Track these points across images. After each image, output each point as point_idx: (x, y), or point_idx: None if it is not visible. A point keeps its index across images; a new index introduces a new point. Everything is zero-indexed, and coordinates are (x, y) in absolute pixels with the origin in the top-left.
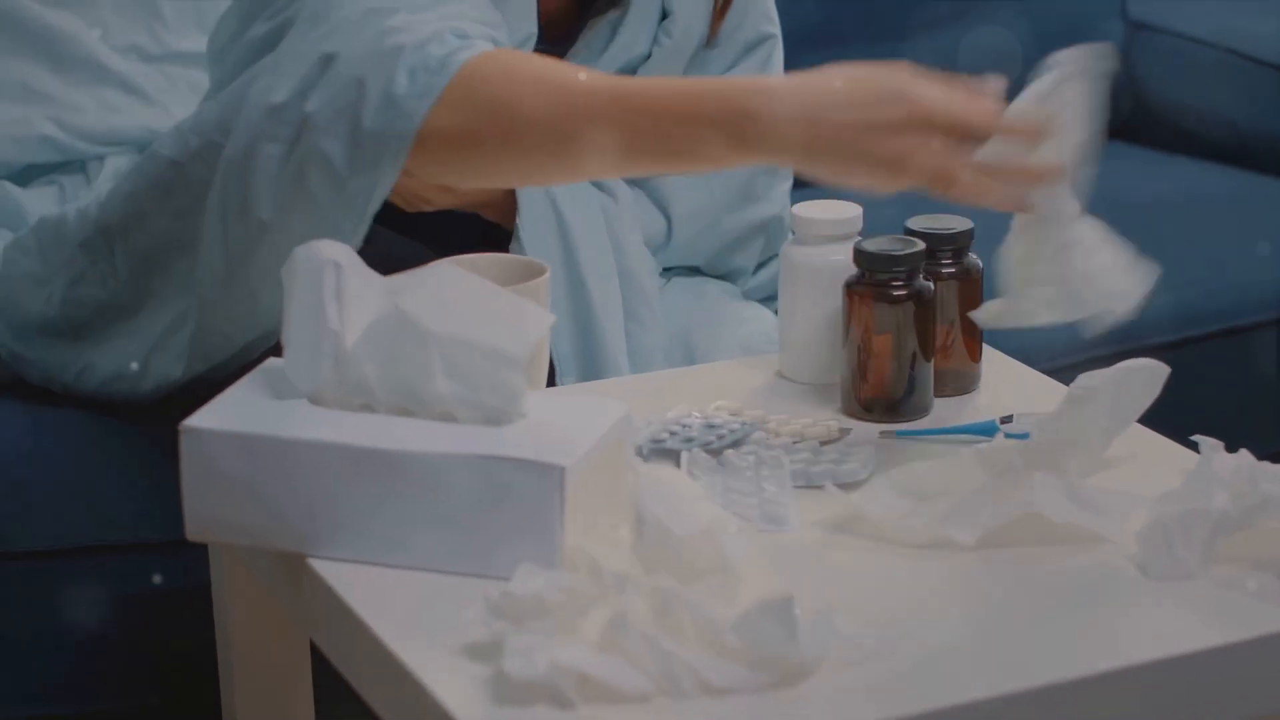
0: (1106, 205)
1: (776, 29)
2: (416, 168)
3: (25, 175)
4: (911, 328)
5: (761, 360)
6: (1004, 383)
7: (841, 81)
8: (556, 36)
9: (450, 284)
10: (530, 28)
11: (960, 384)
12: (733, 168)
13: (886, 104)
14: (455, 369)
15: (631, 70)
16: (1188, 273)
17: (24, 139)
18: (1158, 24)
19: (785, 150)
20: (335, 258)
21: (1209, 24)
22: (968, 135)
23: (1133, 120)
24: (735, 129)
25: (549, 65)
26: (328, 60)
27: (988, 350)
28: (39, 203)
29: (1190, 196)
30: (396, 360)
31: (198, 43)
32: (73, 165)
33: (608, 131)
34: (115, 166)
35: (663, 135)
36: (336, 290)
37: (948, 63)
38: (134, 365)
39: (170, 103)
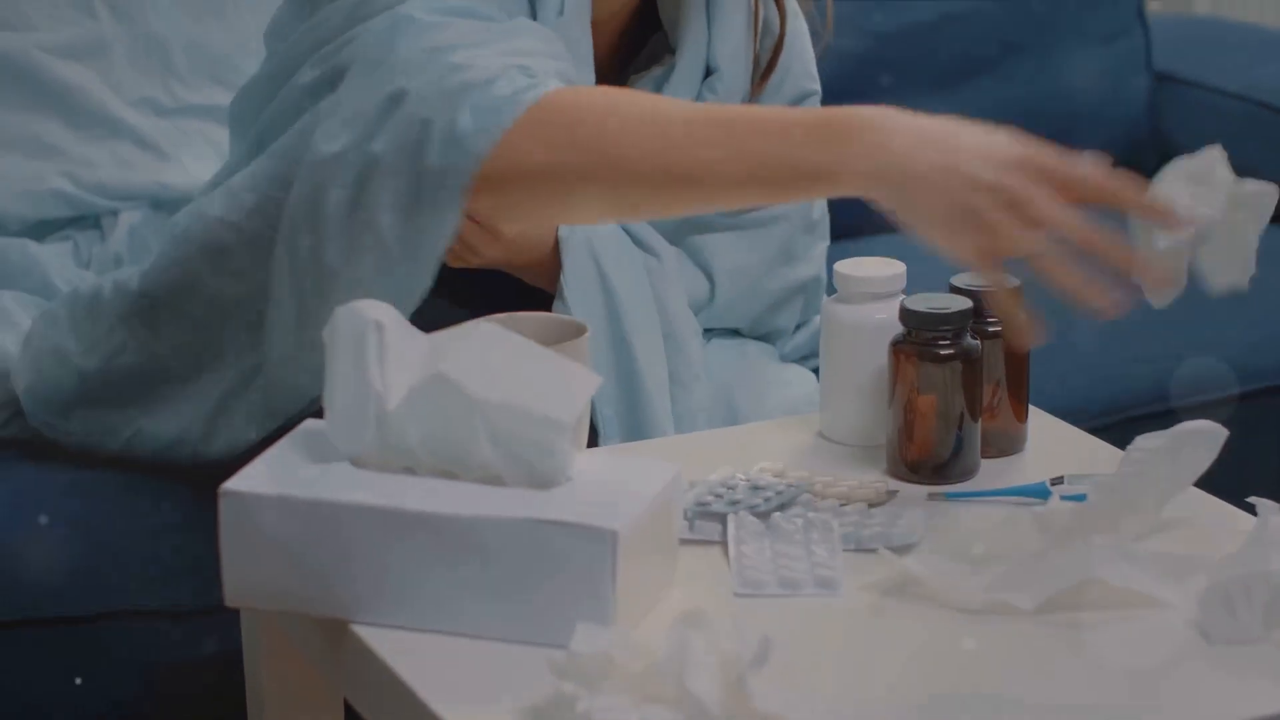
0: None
1: (817, 85)
2: (485, 209)
3: (39, 230)
4: (959, 387)
5: (803, 420)
6: (1050, 442)
7: (969, 134)
8: (609, 38)
9: (493, 345)
10: (588, 79)
11: (1006, 444)
12: (848, 194)
13: (1016, 169)
14: (501, 434)
15: None
16: (1228, 330)
17: (37, 194)
18: (1184, 77)
19: (912, 183)
20: (378, 318)
21: (1236, 77)
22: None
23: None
24: (864, 154)
25: (632, 96)
26: (395, 100)
27: (1031, 409)
28: (55, 259)
29: None
30: (440, 424)
31: (212, 96)
32: (86, 220)
33: (721, 160)
34: (130, 222)
35: (783, 158)
36: (379, 351)
37: (977, 117)
38: (195, 429)
39: (184, 157)
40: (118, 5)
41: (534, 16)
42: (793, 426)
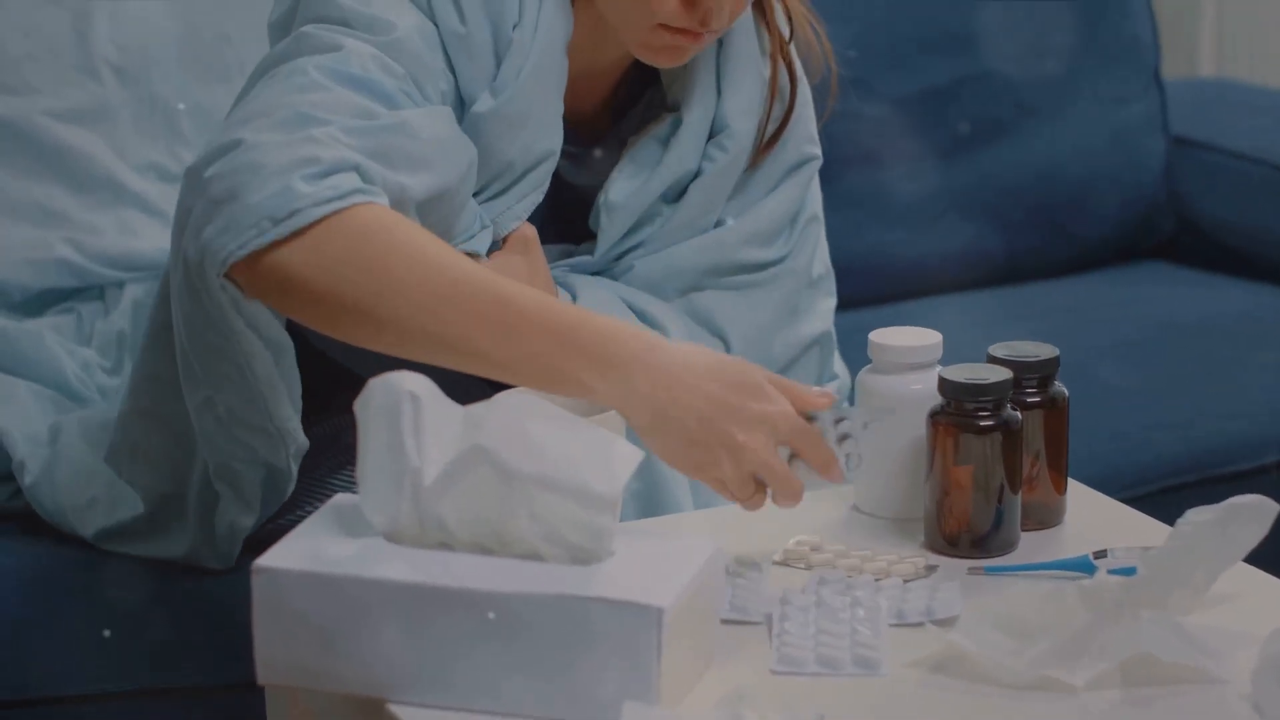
0: (1156, 327)
1: (819, 150)
2: (264, 298)
3: (41, 301)
4: (999, 459)
5: (835, 492)
6: (1088, 514)
7: (705, 359)
8: (584, 139)
9: (531, 417)
10: (551, 144)
11: (1044, 517)
12: (594, 400)
13: (746, 394)
14: (541, 509)
15: (682, 188)
16: (1255, 398)
17: (41, 263)
18: (1201, 139)
19: (638, 398)
20: (413, 389)
21: (1254, 139)
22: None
23: (1176, 239)
24: (602, 366)
25: (434, 245)
26: (226, 152)
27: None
28: (57, 333)
29: (1244, 318)
30: (478, 498)
31: None
32: (91, 292)
33: (489, 343)
34: (133, 296)
35: (550, 363)
36: (415, 424)
37: (993, 180)
38: (206, 548)
39: None
40: (123, 69)
41: (495, 78)
42: (826, 499)
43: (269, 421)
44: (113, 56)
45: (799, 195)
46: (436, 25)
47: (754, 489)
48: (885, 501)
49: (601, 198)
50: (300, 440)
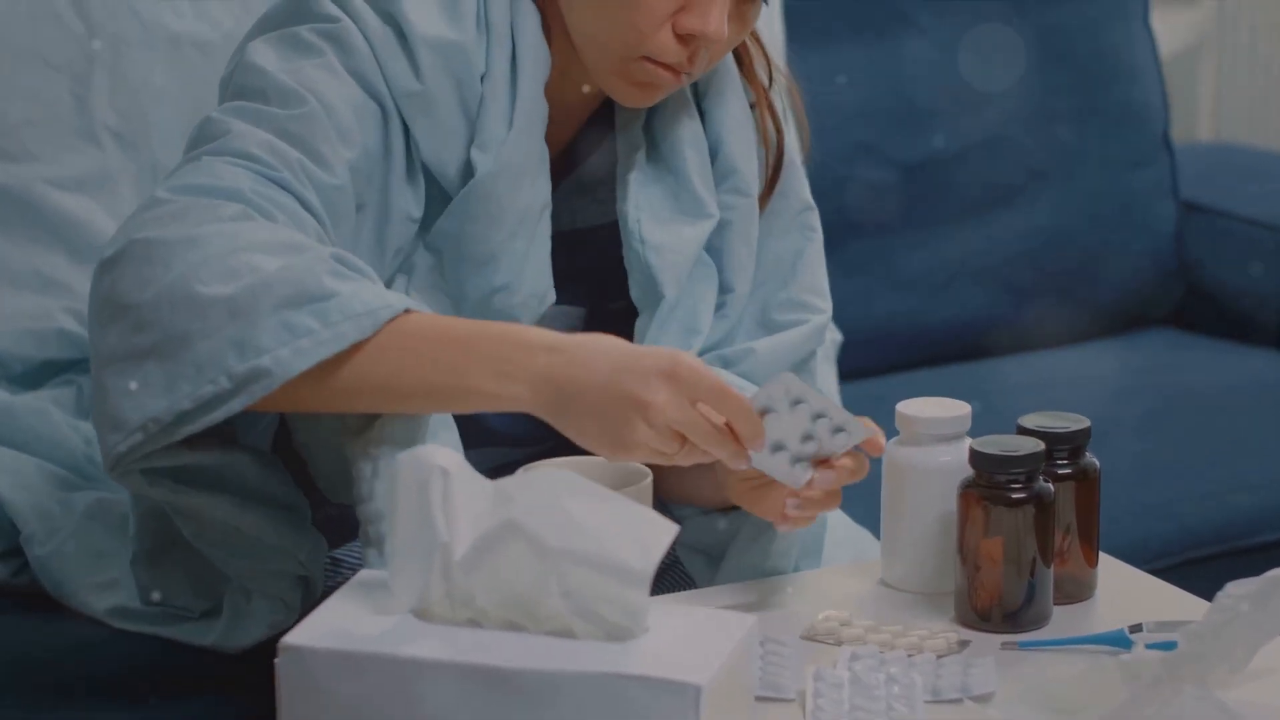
0: (1174, 396)
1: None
2: None
3: (41, 373)
4: (1031, 532)
5: (863, 567)
6: (1119, 587)
7: (607, 341)
8: (560, 139)
9: (562, 491)
10: (546, 193)
11: (1076, 590)
12: (501, 406)
13: (648, 355)
14: (574, 585)
15: (719, 250)
16: (1272, 471)
17: (42, 333)
18: (1211, 205)
19: (540, 381)
20: (443, 464)
21: (1265, 205)
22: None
23: (1186, 306)
24: (501, 367)
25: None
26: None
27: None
28: (57, 406)
29: (1261, 386)
30: (509, 574)
31: None
32: (89, 363)
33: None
34: None
35: (431, 359)
36: (444, 498)
37: (1003, 246)
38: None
39: None
40: (123, 135)
41: (469, 145)
42: (853, 573)
43: (289, 560)
44: (113, 122)
45: (803, 242)
46: (388, 86)
47: (679, 444)
48: (914, 575)
49: (636, 242)
50: (324, 546)
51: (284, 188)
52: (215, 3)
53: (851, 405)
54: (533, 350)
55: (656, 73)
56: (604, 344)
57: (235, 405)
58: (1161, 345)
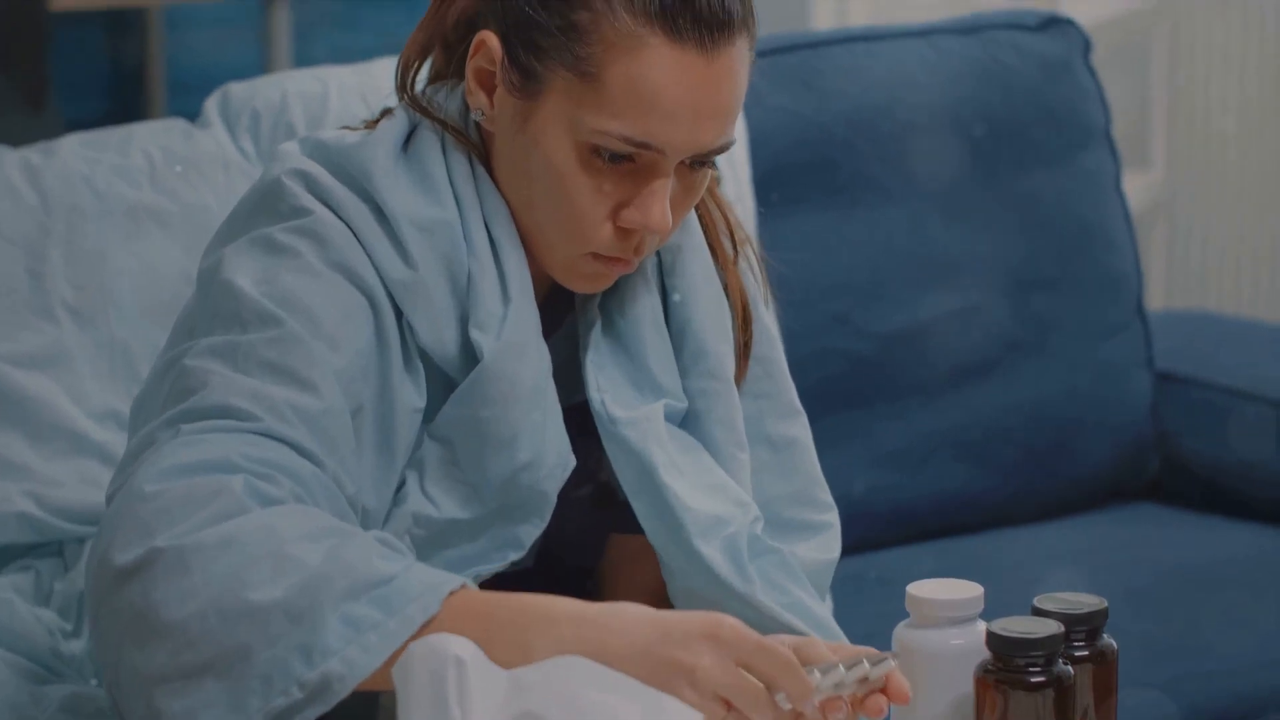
0: (1163, 573)
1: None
2: None
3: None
4: (1051, 717)
5: None
6: None
7: (635, 608)
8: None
9: (581, 679)
10: (564, 454)
11: None
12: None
13: (688, 619)
14: None
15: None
16: (1275, 649)
17: (1, 516)
18: (1187, 375)
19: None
20: (458, 653)
21: (1244, 374)
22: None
23: (1163, 479)
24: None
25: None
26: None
27: None
28: (17, 593)
29: (1249, 562)
30: None
31: None
32: (49, 548)
33: None
34: None
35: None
36: (460, 689)
37: (981, 420)
38: None
39: None
40: (80, 311)
41: (463, 323)
42: None
43: None
44: (70, 298)
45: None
46: (378, 273)
47: (724, 709)
48: None
49: (607, 423)
50: None
51: (274, 438)
52: (172, 173)
53: (835, 585)
54: (556, 623)
55: (603, 266)
56: (634, 611)
57: (310, 714)
58: (1142, 519)
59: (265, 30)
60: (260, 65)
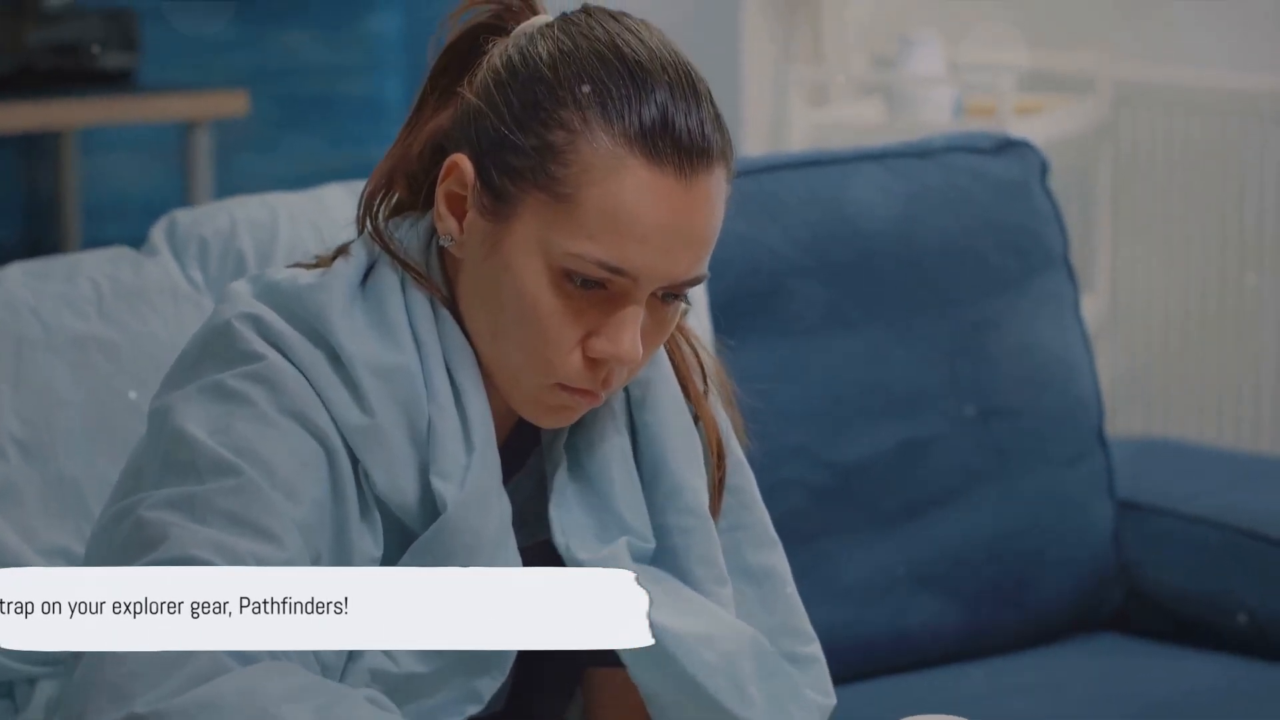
0: (1139, 707)
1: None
2: None
3: None
4: None
5: None
6: None
7: None
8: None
9: None
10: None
11: None
12: None
13: None
14: None
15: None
16: None
17: None
18: (1150, 503)
19: None
20: None
21: (1209, 501)
22: None
23: (1127, 610)
24: None
25: None
26: None
27: None
28: None
29: (1221, 694)
30: None
31: None
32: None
33: None
34: (47, 694)
35: None
36: None
37: (944, 551)
38: None
39: None
40: (27, 445)
41: (422, 472)
42: None
43: None
44: (16, 430)
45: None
46: (333, 420)
47: None
48: None
49: (570, 565)
50: None
51: None
52: (120, 303)
53: None
54: None
55: (572, 398)
56: None
57: None
58: (1108, 651)
59: (186, 155)
60: (180, 191)
